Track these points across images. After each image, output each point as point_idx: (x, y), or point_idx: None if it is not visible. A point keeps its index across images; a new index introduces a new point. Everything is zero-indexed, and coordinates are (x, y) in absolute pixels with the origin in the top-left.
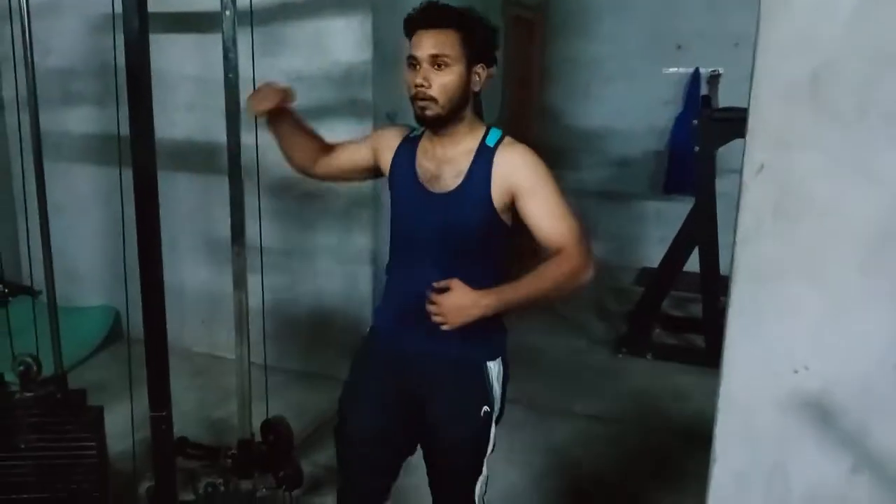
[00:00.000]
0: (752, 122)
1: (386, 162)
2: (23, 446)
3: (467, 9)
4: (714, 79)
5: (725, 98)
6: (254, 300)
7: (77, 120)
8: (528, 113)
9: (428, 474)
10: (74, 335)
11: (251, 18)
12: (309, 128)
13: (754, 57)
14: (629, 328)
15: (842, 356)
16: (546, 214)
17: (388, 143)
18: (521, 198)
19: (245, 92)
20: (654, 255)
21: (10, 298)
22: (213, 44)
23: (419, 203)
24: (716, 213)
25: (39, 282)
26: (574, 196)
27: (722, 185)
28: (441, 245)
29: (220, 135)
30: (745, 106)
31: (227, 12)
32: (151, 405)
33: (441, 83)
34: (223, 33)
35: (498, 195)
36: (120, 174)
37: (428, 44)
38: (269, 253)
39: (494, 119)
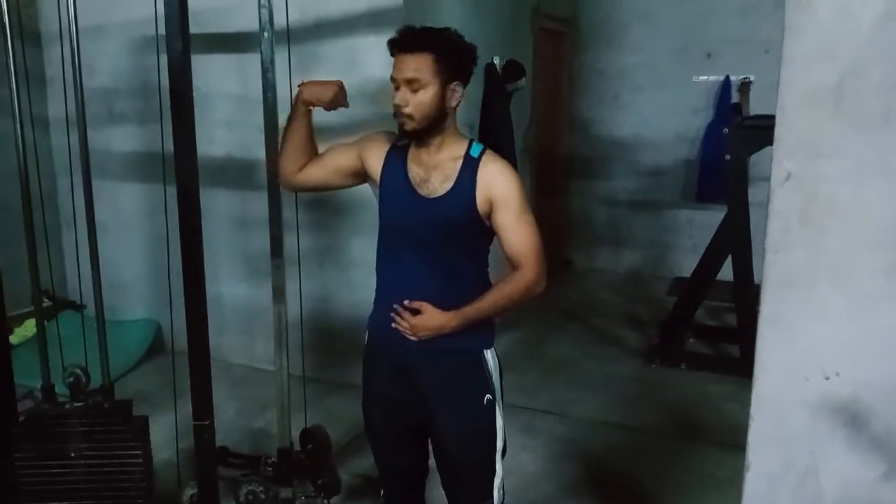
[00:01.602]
0: (779, 130)
1: (375, 167)
2: (72, 454)
3: (444, 30)
4: (745, 86)
5: (757, 105)
6: (291, 312)
7: (119, 138)
8: (558, 123)
9: (443, 483)
10: (119, 347)
11: (288, 38)
12: (313, 137)
13: (780, 65)
14: (662, 338)
15: (871, 361)
16: (512, 228)
17: (377, 149)
18: (495, 208)
19: (283, 110)
20: (686, 264)
21: (58, 313)
22: (249, 63)
23: (411, 205)
24: (749, 222)
25: (85, 296)
26: (605, 205)
27: (754, 193)
28: (431, 243)
29: (256, 151)
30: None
31: (266, 34)
32: (194, 414)
33: (417, 102)
34: (261, 54)
35: (481, 201)
36: (164, 191)
37: (404, 67)
38: (305, 265)
39: (524, 130)
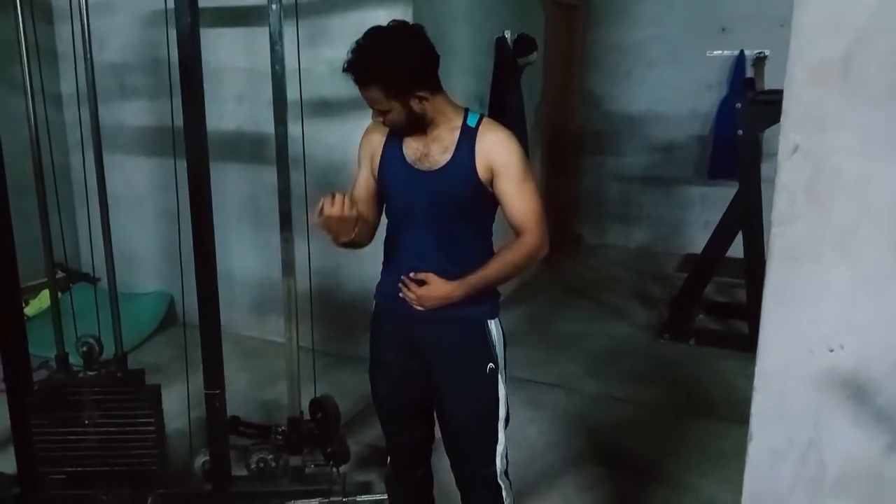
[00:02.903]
0: (787, 103)
1: (377, 162)
2: (86, 422)
3: (381, 56)
4: (760, 61)
5: (772, 80)
6: (302, 285)
7: (132, 113)
8: (569, 98)
9: (447, 451)
10: (132, 319)
11: (296, 11)
12: (358, 216)
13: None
14: (672, 314)
15: (876, 334)
16: (513, 195)
17: (374, 143)
18: (496, 176)
19: (291, 84)
20: (698, 240)
21: (72, 285)
22: (260, 37)
23: (412, 182)
24: (760, 198)
25: (98, 269)
26: (617, 181)
27: (767, 169)
28: (435, 216)
29: (267, 125)
30: None
31: (274, 6)
32: (206, 384)
33: (388, 120)
34: (270, 26)
35: (481, 169)
36: (175, 165)
37: (364, 95)
38: (315, 239)
39: (536, 105)
